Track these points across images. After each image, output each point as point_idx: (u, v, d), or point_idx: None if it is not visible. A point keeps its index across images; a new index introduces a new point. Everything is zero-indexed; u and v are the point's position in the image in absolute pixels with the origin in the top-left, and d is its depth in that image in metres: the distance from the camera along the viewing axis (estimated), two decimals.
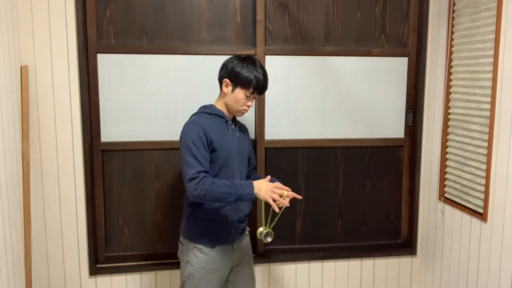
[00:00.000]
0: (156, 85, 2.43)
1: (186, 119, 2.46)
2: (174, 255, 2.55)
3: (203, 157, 1.84)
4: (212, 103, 2.01)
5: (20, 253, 2.16)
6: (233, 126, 2.01)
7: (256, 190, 1.78)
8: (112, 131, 2.43)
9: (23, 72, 2.21)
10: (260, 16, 2.44)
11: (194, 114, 1.99)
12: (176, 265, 2.52)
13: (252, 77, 1.90)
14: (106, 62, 2.37)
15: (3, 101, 1.96)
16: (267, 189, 1.77)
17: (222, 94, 1.99)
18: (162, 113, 2.45)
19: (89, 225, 2.41)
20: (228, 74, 1.94)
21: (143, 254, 2.56)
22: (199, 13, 2.42)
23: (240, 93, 1.92)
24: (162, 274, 2.53)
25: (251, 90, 1.92)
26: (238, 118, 2.10)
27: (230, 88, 1.94)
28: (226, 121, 1.97)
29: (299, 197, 1.84)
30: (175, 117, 2.45)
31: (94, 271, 2.46)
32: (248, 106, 1.97)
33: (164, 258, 2.56)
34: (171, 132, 2.46)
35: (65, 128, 2.33)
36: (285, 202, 1.80)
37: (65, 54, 2.28)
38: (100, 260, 2.52)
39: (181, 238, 2.04)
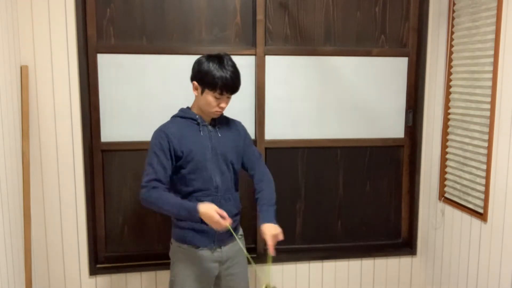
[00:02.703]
0: (156, 85, 2.43)
1: None
2: None
3: (161, 165, 1.85)
4: None
5: (20, 253, 2.16)
6: (209, 127, 1.94)
7: (201, 216, 1.78)
8: (112, 131, 2.43)
9: (23, 72, 2.21)
10: (260, 16, 2.44)
11: (172, 117, 1.99)
12: None
13: (218, 77, 1.81)
14: (106, 62, 2.37)
15: (3, 101, 1.96)
16: (209, 220, 1.77)
17: (195, 97, 1.94)
18: (162, 113, 2.43)
19: (89, 225, 2.41)
20: (194, 76, 1.90)
21: (143, 254, 2.56)
22: (199, 13, 2.42)
23: (208, 95, 1.85)
24: (162, 274, 2.53)
25: (218, 91, 1.83)
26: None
27: (199, 90, 1.88)
28: (198, 123, 1.92)
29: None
30: None
31: (94, 271, 2.46)
32: (221, 108, 1.89)
33: (164, 258, 2.54)
34: None
35: (65, 128, 2.33)
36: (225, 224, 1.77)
37: (65, 54, 2.28)
38: (100, 260, 2.52)
39: (171, 239, 2.04)
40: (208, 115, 1.94)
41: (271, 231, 1.88)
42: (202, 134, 1.92)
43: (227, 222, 1.77)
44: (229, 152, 1.97)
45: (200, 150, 1.90)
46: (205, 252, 1.96)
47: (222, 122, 2.01)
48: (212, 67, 1.83)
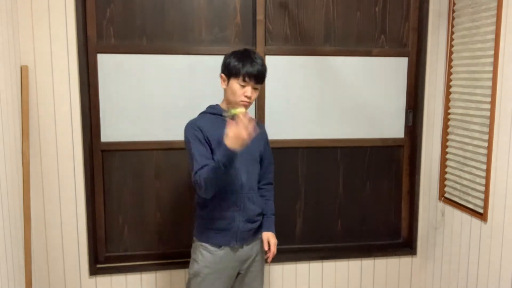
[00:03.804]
0: (156, 85, 2.43)
1: (186, 119, 2.46)
2: (174, 255, 2.57)
3: (201, 155, 1.84)
4: (216, 102, 2.01)
5: (20, 253, 2.16)
6: None
7: (229, 147, 1.70)
8: (112, 131, 2.43)
9: (23, 72, 2.21)
10: (260, 16, 2.44)
11: (200, 113, 2.01)
12: (176, 265, 2.54)
13: (241, 64, 1.85)
14: (106, 62, 2.38)
15: (3, 101, 1.96)
16: (234, 138, 1.69)
17: (224, 91, 1.97)
18: (162, 113, 2.45)
19: (89, 225, 2.41)
20: (222, 68, 1.94)
21: (143, 254, 2.56)
22: (199, 13, 2.42)
23: (233, 83, 1.88)
24: (162, 274, 2.53)
25: (241, 77, 1.85)
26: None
27: (226, 82, 1.92)
28: (224, 124, 1.91)
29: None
30: (175, 117, 2.45)
31: (94, 271, 2.46)
32: (248, 97, 1.88)
33: (164, 258, 2.56)
34: (171, 132, 2.46)
35: (65, 128, 2.33)
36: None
37: (65, 54, 2.28)
38: (100, 260, 2.52)
39: (194, 237, 2.07)
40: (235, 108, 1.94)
41: (274, 239, 2.04)
42: None
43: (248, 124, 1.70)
44: (255, 151, 1.99)
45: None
46: (226, 251, 1.98)
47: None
48: (236, 57, 1.89)
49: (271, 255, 2.01)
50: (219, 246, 1.97)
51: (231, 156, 1.72)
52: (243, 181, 1.95)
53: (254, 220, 2.01)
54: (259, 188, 2.06)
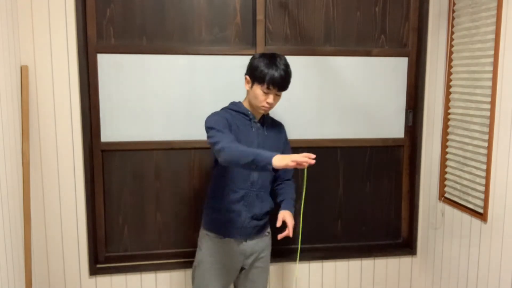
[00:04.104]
0: (156, 85, 2.43)
1: (186, 119, 2.47)
2: (174, 255, 2.57)
3: (226, 130, 1.86)
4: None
5: (20, 253, 2.16)
6: (258, 125, 2.02)
7: (275, 159, 1.61)
8: (112, 131, 2.43)
9: (23, 72, 2.21)
10: (260, 16, 2.44)
11: (223, 108, 2.04)
12: (176, 265, 2.54)
13: (267, 71, 1.88)
14: (106, 62, 2.37)
15: (3, 101, 1.96)
16: (289, 158, 1.61)
17: (246, 91, 2.02)
18: (162, 113, 2.45)
19: (89, 225, 2.41)
20: (248, 70, 1.97)
21: (143, 254, 2.56)
22: (199, 13, 2.42)
23: (257, 89, 1.92)
24: (162, 274, 2.53)
25: (265, 85, 1.89)
26: (274, 117, 2.14)
27: (250, 84, 1.95)
28: (250, 119, 2.00)
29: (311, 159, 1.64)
30: (175, 117, 2.45)
31: (94, 271, 2.46)
32: (269, 103, 1.93)
33: (164, 258, 2.56)
34: (171, 132, 2.46)
35: (65, 128, 2.33)
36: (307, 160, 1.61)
37: (65, 54, 2.28)
38: (100, 260, 2.52)
39: (201, 226, 2.13)
40: (257, 110, 1.99)
41: (290, 217, 2.01)
42: (253, 130, 2.00)
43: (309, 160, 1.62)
44: (273, 150, 1.94)
45: (246, 144, 1.92)
46: (230, 243, 2.03)
47: (269, 121, 2.09)
48: (264, 62, 1.90)
49: (289, 230, 1.94)
50: (223, 237, 2.03)
51: (265, 168, 1.64)
52: (255, 179, 2.00)
53: (260, 218, 2.04)
54: (278, 184, 2.11)
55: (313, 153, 2.71)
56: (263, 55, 1.95)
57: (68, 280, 2.44)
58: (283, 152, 2.05)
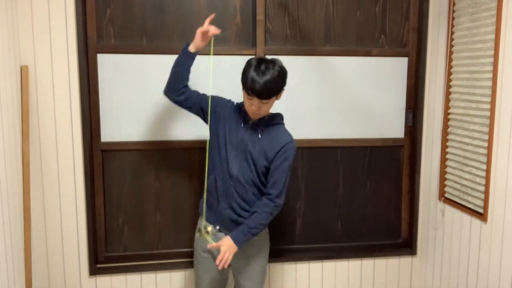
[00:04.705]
0: (156, 85, 2.42)
1: (186, 119, 2.47)
2: (174, 255, 2.57)
3: (204, 96, 2.08)
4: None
5: (20, 253, 2.16)
6: (251, 124, 2.00)
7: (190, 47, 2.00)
8: (112, 131, 2.43)
9: (23, 72, 2.21)
10: (260, 16, 2.44)
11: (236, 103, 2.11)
12: (176, 265, 2.54)
13: (250, 78, 1.86)
14: (106, 62, 2.37)
15: (3, 101, 1.96)
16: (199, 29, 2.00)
17: None
18: (162, 113, 2.45)
19: (89, 225, 2.41)
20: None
21: (143, 254, 2.56)
22: (199, 13, 2.42)
23: (244, 93, 1.94)
24: (162, 274, 2.53)
25: (248, 91, 1.89)
26: (280, 129, 2.06)
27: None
28: (241, 115, 2.02)
29: None
30: (175, 117, 2.45)
31: (94, 271, 2.46)
32: (253, 110, 1.92)
33: (164, 258, 2.56)
34: (171, 132, 2.46)
35: (65, 128, 2.33)
36: None
37: (65, 54, 2.28)
38: (100, 260, 2.52)
39: None
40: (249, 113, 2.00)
41: (225, 246, 1.94)
42: (242, 125, 2.01)
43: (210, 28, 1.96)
44: (256, 154, 1.99)
45: (225, 134, 1.99)
46: (214, 234, 2.05)
47: (271, 130, 2.02)
48: (252, 68, 1.89)
49: (221, 262, 1.91)
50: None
51: (186, 51, 2.03)
52: (232, 172, 2.00)
53: (239, 213, 2.03)
54: (261, 199, 2.04)
55: (313, 153, 2.75)
56: (257, 60, 1.92)
57: (68, 280, 2.44)
58: (273, 164, 1.99)
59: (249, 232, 1.97)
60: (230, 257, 1.92)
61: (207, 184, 2.06)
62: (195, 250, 2.17)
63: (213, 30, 1.98)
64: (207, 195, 2.06)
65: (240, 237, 1.96)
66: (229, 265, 2.09)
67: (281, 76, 1.91)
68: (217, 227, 2.08)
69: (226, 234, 2.02)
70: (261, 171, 2.02)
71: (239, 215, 2.03)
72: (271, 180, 2.01)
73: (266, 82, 1.85)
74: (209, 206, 2.08)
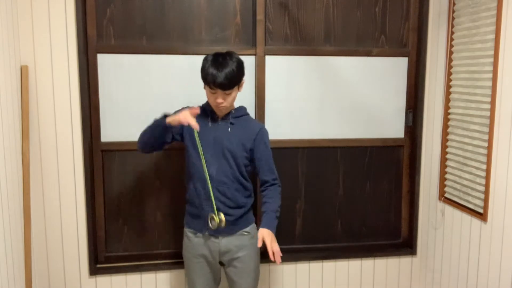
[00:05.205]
0: (156, 85, 2.43)
1: None
2: (174, 255, 2.57)
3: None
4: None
5: (20, 253, 2.16)
6: (220, 121, 2.05)
7: (168, 119, 1.94)
8: (112, 131, 2.43)
9: (23, 72, 2.21)
10: (260, 16, 2.44)
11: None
12: (176, 265, 2.54)
13: (208, 71, 1.92)
14: (106, 62, 2.37)
15: (3, 101, 1.96)
16: (177, 116, 1.90)
17: None
18: (162, 113, 2.45)
19: (89, 225, 2.41)
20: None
21: (143, 254, 2.56)
22: (199, 13, 2.42)
23: (206, 88, 1.99)
24: (162, 274, 2.53)
25: (210, 85, 1.93)
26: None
27: (204, 84, 2.00)
28: (206, 115, 2.06)
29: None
30: None
31: (94, 271, 2.46)
32: (218, 103, 1.96)
33: (164, 258, 2.56)
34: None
35: (65, 128, 2.33)
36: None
37: (65, 54, 2.28)
38: (100, 260, 2.52)
39: None
40: (214, 109, 2.03)
41: (269, 236, 1.94)
42: (210, 125, 2.04)
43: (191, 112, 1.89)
44: (233, 147, 2.03)
45: (202, 138, 2.00)
46: (201, 238, 2.10)
47: (240, 121, 2.08)
48: (208, 62, 1.94)
49: (275, 256, 1.89)
50: (195, 233, 2.10)
51: (163, 123, 1.96)
52: (212, 173, 2.02)
53: (226, 212, 2.02)
54: (263, 190, 2.09)
55: (314, 153, 2.75)
56: (213, 55, 1.97)
57: (68, 280, 2.44)
58: (254, 151, 2.05)
59: (276, 216, 2.03)
60: (277, 245, 1.93)
61: (188, 195, 2.12)
62: (186, 258, 2.17)
63: (194, 124, 1.87)
64: (189, 206, 2.13)
65: (272, 223, 1.99)
66: (223, 264, 2.14)
67: (240, 66, 1.97)
68: (206, 233, 2.08)
69: (216, 238, 2.06)
70: (242, 163, 2.05)
71: (225, 214, 2.01)
72: (261, 168, 2.07)
73: (226, 73, 1.91)
74: (193, 216, 2.11)
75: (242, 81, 2.02)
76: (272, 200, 2.05)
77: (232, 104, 2.04)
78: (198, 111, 1.91)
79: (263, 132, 2.10)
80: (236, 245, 2.09)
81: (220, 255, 2.10)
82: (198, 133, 1.95)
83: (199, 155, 2.00)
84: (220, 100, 1.95)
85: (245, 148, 2.05)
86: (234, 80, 1.94)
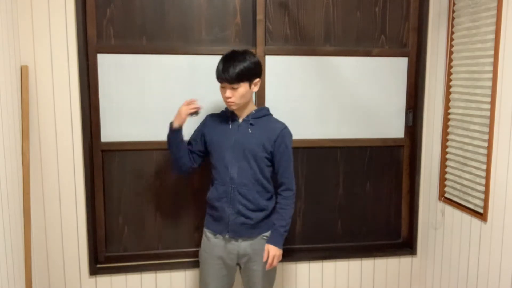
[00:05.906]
0: (156, 85, 2.43)
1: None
2: (174, 255, 2.57)
3: (193, 140, 2.18)
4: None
5: (20, 253, 2.16)
6: (240, 122, 2.06)
7: (174, 124, 2.07)
8: (112, 131, 2.43)
9: (23, 72, 2.21)
10: (260, 16, 2.44)
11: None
12: (176, 265, 2.54)
13: (218, 65, 1.97)
14: (106, 62, 2.37)
15: (3, 101, 1.96)
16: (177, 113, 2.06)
17: None
18: (162, 113, 2.45)
19: (89, 225, 2.41)
20: None
21: (143, 254, 2.56)
22: (199, 13, 2.42)
23: (220, 88, 2.02)
24: (162, 274, 2.53)
25: (218, 79, 1.98)
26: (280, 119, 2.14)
27: None
28: (227, 117, 2.08)
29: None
30: None
31: (94, 271, 2.46)
32: (226, 97, 1.98)
33: (164, 258, 2.56)
34: None
35: (65, 128, 2.33)
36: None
37: (65, 54, 2.28)
38: (100, 260, 2.53)
39: None
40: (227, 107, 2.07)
41: (273, 251, 2.03)
42: (230, 127, 2.06)
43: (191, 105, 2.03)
44: (254, 148, 2.03)
45: (222, 141, 2.04)
46: (221, 240, 2.10)
47: (261, 122, 2.08)
48: (221, 59, 1.99)
49: (267, 265, 2.04)
50: (215, 234, 2.10)
51: (171, 128, 2.08)
52: (233, 175, 2.02)
53: (247, 215, 2.04)
54: (278, 193, 2.09)
55: (313, 153, 2.76)
56: (230, 51, 2.02)
57: (68, 280, 2.44)
58: (274, 153, 2.05)
59: (284, 231, 2.05)
60: (277, 261, 2.04)
61: (210, 197, 2.12)
62: (203, 258, 2.16)
63: (193, 107, 2.06)
64: (210, 208, 2.14)
65: (279, 240, 2.04)
66: (240, 267, 2.15)
67: (252, 64, 1.96)
68: (226, 235, 2.08)
69: (236, 241, 2.06)
70: (264, 164, 2.05)
71: (247, 217, 2.04)
72: (279, 170, 2.07)
73: (232, 66, 1.92)
74: (215, 218, 2.11)
75: (256, 80, 2.01)
76: (283, 212, 2.06)
77: (243, 102, 2.01)
78: (193, 99, 2.04)
79: (284, 133, 2.06)
80: (255, 249, 2.09)
81: (238, 257, 2.11)
82: (219, 134, 2.05)
83: (220, 157, 2.04)
84: (228, 95, 1.97)
85: (265, 149, 2.04)
86: (240, 74, 1.93)
